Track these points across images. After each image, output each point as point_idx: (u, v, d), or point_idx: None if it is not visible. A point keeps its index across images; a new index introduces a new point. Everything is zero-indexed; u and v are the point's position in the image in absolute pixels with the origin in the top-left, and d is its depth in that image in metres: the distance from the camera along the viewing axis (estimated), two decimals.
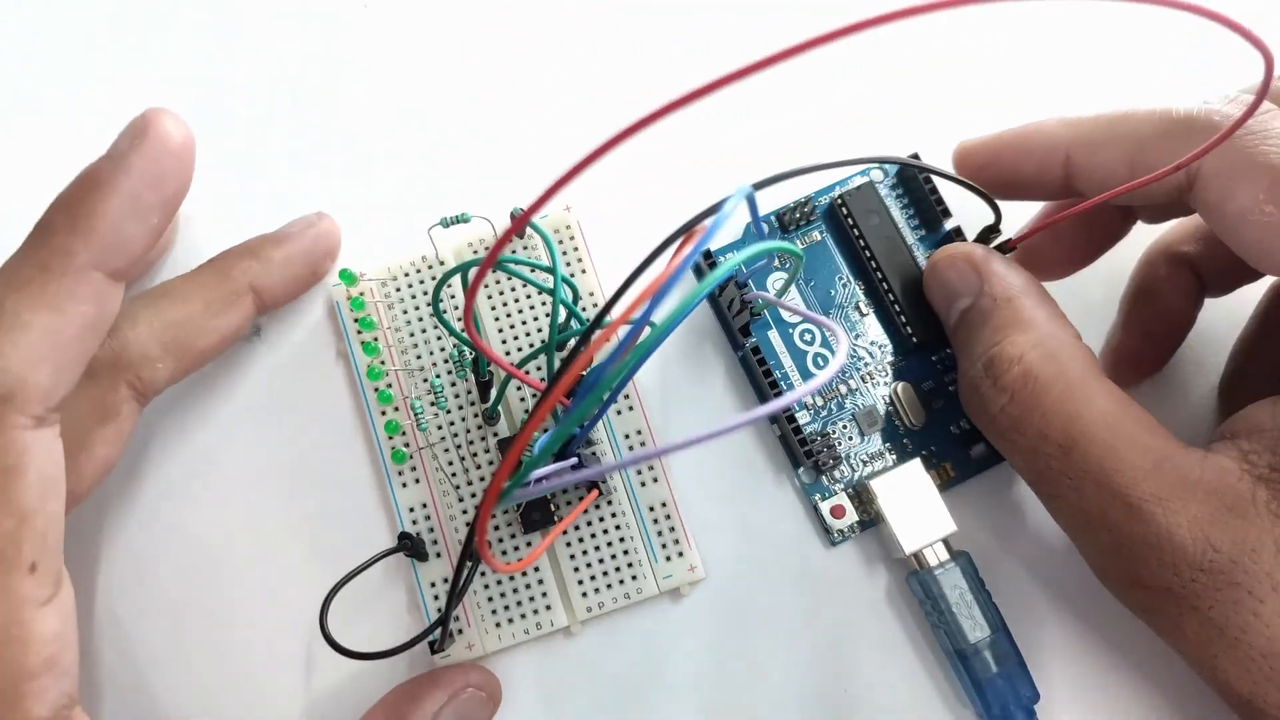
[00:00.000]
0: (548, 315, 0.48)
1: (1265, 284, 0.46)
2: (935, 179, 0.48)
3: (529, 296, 0.48)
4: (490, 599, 0.46)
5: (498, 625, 0.45)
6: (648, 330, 0.32)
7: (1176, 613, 0.38)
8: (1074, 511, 0.40)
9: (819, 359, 0.48)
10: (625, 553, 0.46)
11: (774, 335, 0.48)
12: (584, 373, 0.40)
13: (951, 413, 0.48)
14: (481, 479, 0.47)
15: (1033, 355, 0.41)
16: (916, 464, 0.46)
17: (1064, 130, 0.43)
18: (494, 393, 0.46)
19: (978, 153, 0.46)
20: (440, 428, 0.47)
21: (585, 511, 0.46)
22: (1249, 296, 0.46)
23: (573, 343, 0.44)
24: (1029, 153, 0.44)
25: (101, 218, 0.38)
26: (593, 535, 0.46)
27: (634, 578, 0.46)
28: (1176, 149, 0.38)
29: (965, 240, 0.48)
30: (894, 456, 0.47)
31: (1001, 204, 0.44)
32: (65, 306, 0.37)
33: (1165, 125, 0.39)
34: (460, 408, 0.47)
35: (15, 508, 0.36)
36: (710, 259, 0.48)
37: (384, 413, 0.47)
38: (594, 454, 0.45)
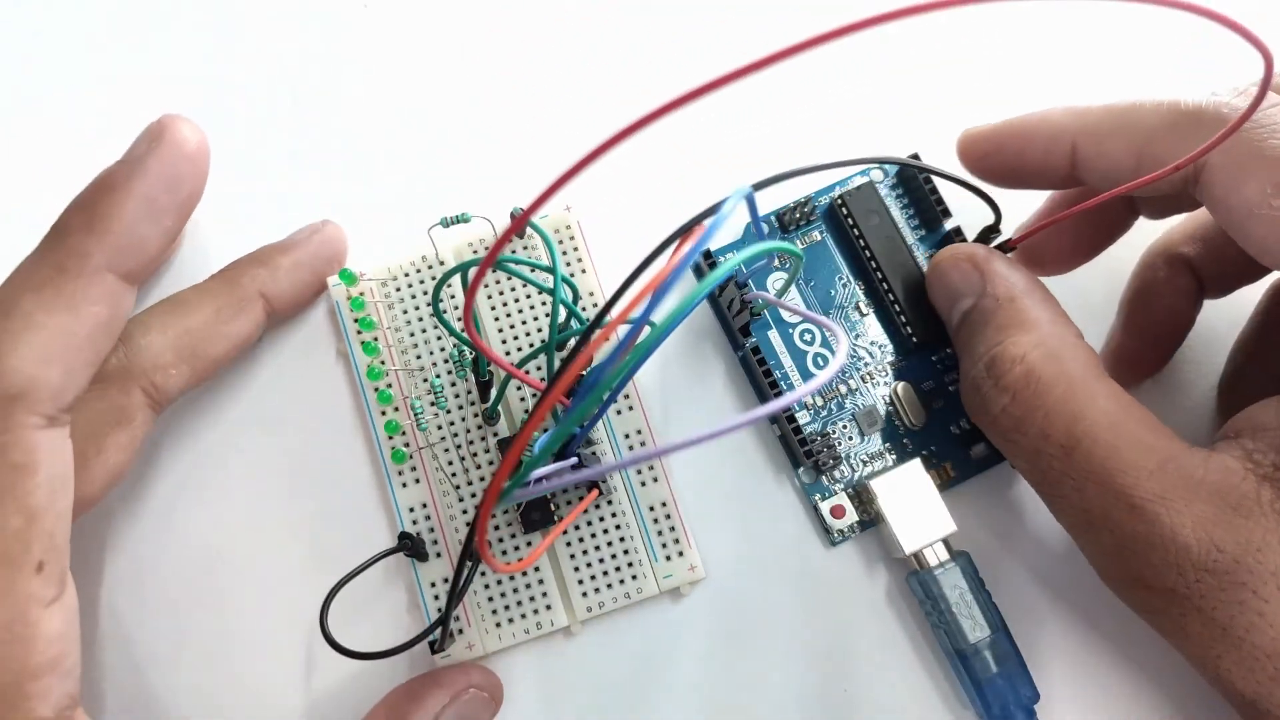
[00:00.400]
0: (548, 315, 0.48)
1: (1265, 284, 0.46)
2: (935, 179, 0.48)
3: (529, 296, 0.48)
4: (490, 599, 0.46)
5: (498, 625, 0.45)
6: (647, 330, 0.32)
7: (1180, 613, 0.37)
8: (1077, 512, 0.40)
9: (819, 359, 0.48)
10: (625, 552, 0.46)
11: (774, 335, 0.48)
12: (584, 372, 0.41)
13: (952, 413, 0.48)
14: (481, 479, 0.47)
15: (1035, 355, 0.40)
16: (916, 464, 0.46)
17: (1070, 120, 0.43)
18: (494, 393, 0.46)
19: (982, 141, 0.45)
20: (440, 428, 0.47)
21: (585, 511, 0.46)
22: (1249, 297, 0.46)
23: (573, 342, 0.44)
24: (1034, 141, 0.44)
25: (117, 220, 0.39)
26: (593, 535, 0.46)
27: (634, 577, 0.46)
28: (1184, 141, 0.38)
29: (966, 240, 0.48)
30: (894, 456, 0.47)
31: (1002, 202, 0.44)
32: (79, 307, 0.38)
33: (1173, 117, 0.39)
34: (460, 408, 0.47)
35: (24, 506, 0.36)
36: (710, 259, 0.48)
37: (384, 413, 0.47)
38: (594, 454, 0.45)
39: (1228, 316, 0.48)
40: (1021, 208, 0.48)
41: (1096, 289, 0.49)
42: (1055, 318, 0.42)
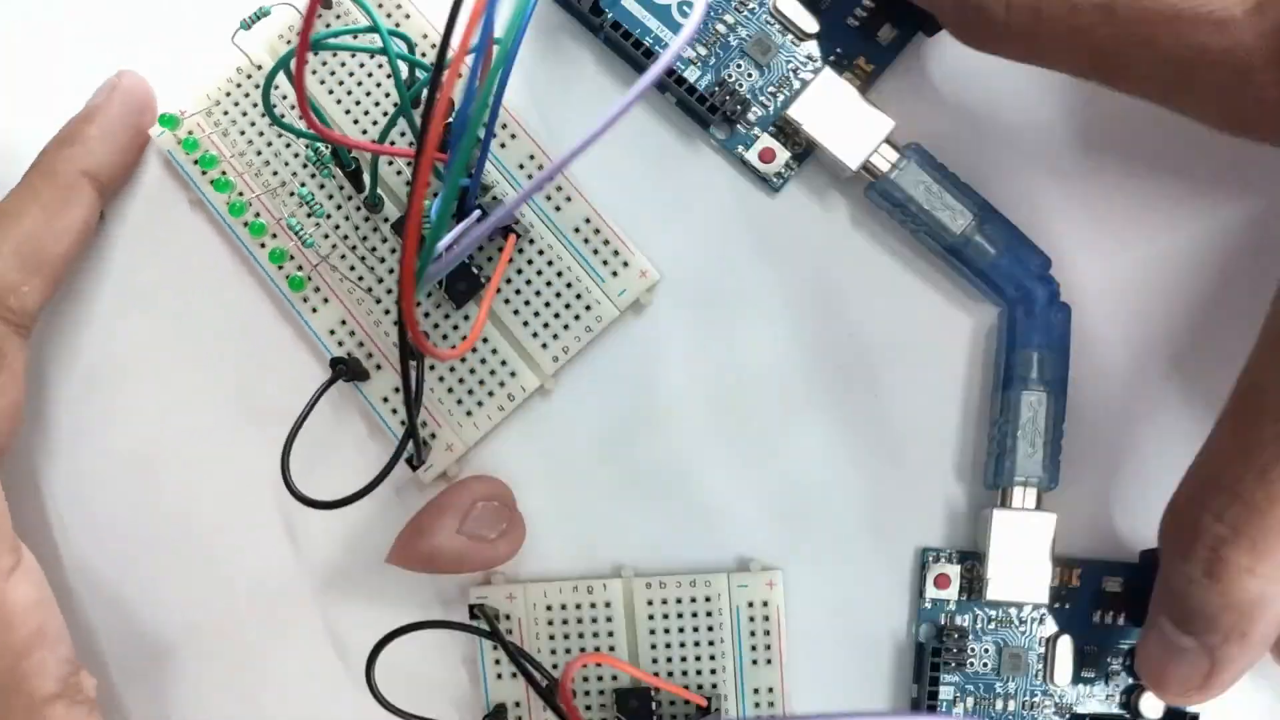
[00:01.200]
0: (389, 77, 0.45)
1: None
2: None
3: (363, 66, 0.45)
4: (450, 390, 0.44)
5: (469, 414, 0.44)
6: (496, 50, 0.30)
7: None
8: (1160, 66, 0.34)
9: (685, 7, 0.44)
10: (569, 286, 0.44)
11: (629, 2, 0.44)
12: (450, 120, 0.39)
13: (844, 3, 0.44)
14: (390, 271, 0.44)
15: None
16: (828, 73, 0.43)
17: None
18: (367, 178, 0.43)
19: None
20: (327, 236, 0.44)
21: (511, 261, 0.44)
22: None
23: (425, 93, 0.41)
24: None
25: (89, 137, 0.43)
26: (528, 282, 0.44)
27: (588, 308, 0.44)
28: None
29: None
30: (802, 77, 0.44)
31: None
32: (55, 211, 0.42)
33: None
34: (339, 208, 0.44)
35: None
36: None
37: (263, 244, 0.45)
38: (494, 199, 0.43)
39: None
40: None
41: None
42: None
